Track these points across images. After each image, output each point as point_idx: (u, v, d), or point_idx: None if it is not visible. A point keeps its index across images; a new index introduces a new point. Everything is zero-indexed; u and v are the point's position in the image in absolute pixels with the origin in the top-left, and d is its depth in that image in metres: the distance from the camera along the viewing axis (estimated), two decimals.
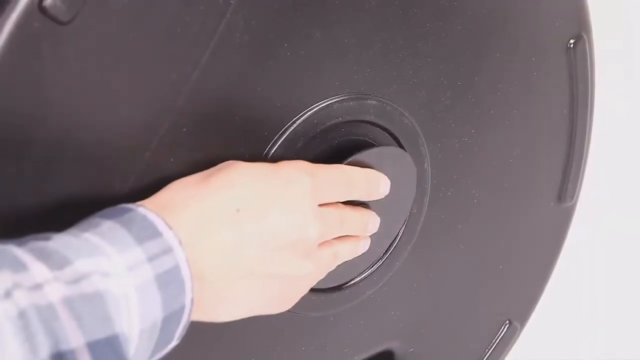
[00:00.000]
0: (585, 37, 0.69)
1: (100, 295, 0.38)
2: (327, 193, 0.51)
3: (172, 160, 0.48)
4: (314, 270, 0.50)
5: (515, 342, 0.79)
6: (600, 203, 0.92)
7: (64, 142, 0.44)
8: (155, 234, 0.41)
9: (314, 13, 0.52)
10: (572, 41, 0.68)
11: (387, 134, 0.60)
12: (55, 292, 0.36)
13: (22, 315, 0.34)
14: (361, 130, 0.58)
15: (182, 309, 0.42)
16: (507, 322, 0.78)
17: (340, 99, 0.55)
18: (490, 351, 0.78)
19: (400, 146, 0.60)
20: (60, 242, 0.39)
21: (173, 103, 0.47)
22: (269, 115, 0.52)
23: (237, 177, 0.47)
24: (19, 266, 0.36)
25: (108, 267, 0.39)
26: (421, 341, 0.72)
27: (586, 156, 0.75)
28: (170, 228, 0.42)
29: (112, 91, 0.45)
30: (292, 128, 0.53)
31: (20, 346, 0.34)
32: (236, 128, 0.50)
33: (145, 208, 0.42)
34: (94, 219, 0.42)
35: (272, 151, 0.53)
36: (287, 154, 0.53)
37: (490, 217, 0.71)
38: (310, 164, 0.52)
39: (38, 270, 0.36)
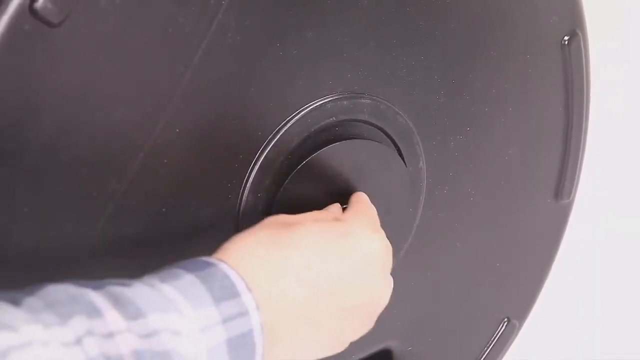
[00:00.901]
0: (579, 34, 0.69)
1: (168, 354, 0.37)
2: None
3: (165, 160, 0.48)
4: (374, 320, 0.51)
5: (514, 340, 0.79)
6: (597, 200, 0.92)
7: (58, 144, 0.44)
8: (233, 294, 0.41)
9: (306, 12, 0.52)
10: (566, 38, 0.68)
11: (381, 133, 0.60)
12: (127, 343, 0.36)
13: None
14: (355, 130, 0.58)
15: None
16: (506, 319, 0.78)
17: (334, 98, 0.55)
18: (489, 349, 0.78)
19: (395, 145, 0.60)
20: (137, 291, 0.39)
21: (166, 104, 0.47)
22: (262, 115, 0.52)
23: (308, 237, 0.46)
24: (94, 312, 0.36)
25: (180, 325, 0.38)
26: (419, 340, 0.72)
27: (583, 153, 0.75)
28: (250, 290, 0.41)
29: (105, 92, 0.45)
30: (286, 128, 0.53)
31: None
32: (229, 128, 0.50)
33: (227, 265, 0.42)
34: (174, 270, 0.41)
35: (266, 151, 0.53)
36: (281, 154, 0.53)
37: (487, 215, 0.71)
38: (369, 215, 0.52)
39: (112, 318, 0.36)
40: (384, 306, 0.51)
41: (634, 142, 0.93)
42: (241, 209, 0.53)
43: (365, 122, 0.58)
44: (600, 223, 0.97)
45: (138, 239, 0.50)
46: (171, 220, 0.50)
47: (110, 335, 0.36)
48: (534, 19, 0.66)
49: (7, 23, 0.40)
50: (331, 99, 0.55)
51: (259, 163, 0.52)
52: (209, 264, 0.42)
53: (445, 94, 0.62)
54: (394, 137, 0.60)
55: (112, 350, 0.35)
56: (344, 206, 0.56)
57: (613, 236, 0.98)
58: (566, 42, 0.68)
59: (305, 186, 0.55)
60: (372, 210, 0.54)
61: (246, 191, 0.53)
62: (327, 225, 0.48)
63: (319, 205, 0.55)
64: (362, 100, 0.57)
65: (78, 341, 0.34)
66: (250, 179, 0.52)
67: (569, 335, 1.02)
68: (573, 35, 0.68)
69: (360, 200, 0.55)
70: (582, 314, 1.02)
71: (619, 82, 0.88)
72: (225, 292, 0.41)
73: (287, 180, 0.53)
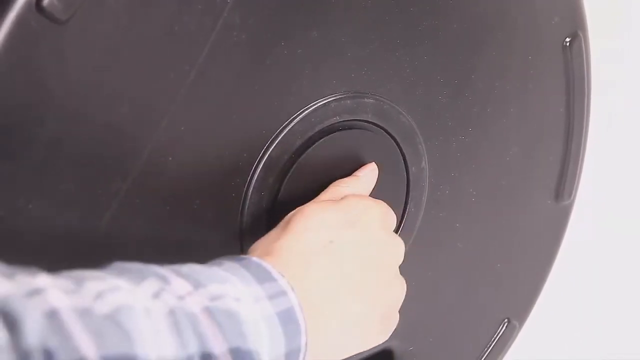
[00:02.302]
0: (581, 35, 0.69)
1: (235, 314, 0.39)
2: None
3: (170, 158, 0.48)
4: (403, 285, 0.53)
5: (514, 340, 0.79)
6: (598, 201, 0.93)
7: (62, 141, 0.44)
8: (270, 278, 0.43)
9: (311, 12, 0.52)
10: (568, 39, 0.69)
11: (384, 132, 0.60)
12: (196, 303, 0.38)
13: (171, 313, 0.37)
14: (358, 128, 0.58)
15: (299, 349, 0.43)
16: (506, 320, 0.78)
17: (338, 97, 0.55)
18: (489, 350, 0.78)
19: (398, 144, 0.61)
20: (192, 269, 0.41)
21: (171, 101, 0.47)
22: (266, 114, 0.52)
23: (316, 217, 0.49)
24: (163, 279, 0.39)
25: (238, 294, 0.40)
26: (420, 340, 0.72)
27: (583, 154, 0.75)
28: (283, 276, 0.43)
29: (110, 90, 0.45)
30: (290, 127, 0.53)
31: (174, 338, 0.36)
32: (233, 127, 0.51)
33: (257, 257, 0.44)
34: (215, 260, 0.44)
35: (270, 150, 0.53)
36: (285, 153, 0.53)
37: (488, 215, 0.71)
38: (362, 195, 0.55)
39: (180, 284, 0.39)
40: (399, 264, 0.52)
41: (634, 142, 0.93)
42: (245, 207, 0.53)
43: (368, 121, 0.58)
44: (601, 224, 0.97)
45: (141, 238, 0.50)
46: (174, 218, 0.50)
47: (180, 297, 0.38)
48: (536, 20, 0.66)
49: (14, 19, 0.40)
50: (335, 98, 0.55)
51: (262, 162, 0.52)
52: (242, 258, 0.44)
53: (448, 94, 0.63)
54: (396, 137, 0.60)
55: (186, 308, 0.37)
56: None
57: (613, 237, 0.98)
58: (567, 44, 0.69)
59: (307, 182, 0.55)
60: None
61: (250, 190, 0.53)
62: (326, 203, 0.50)
63: None
64: (366, 100, 0.57)
65: (156, 295, 0.37)
66: (254, 178, 0.52)
67: (569, 336, 1.02)
68: (574, 36, 0.69)
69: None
70: (583, 315, 1.02)
71: (619, 83, 0.88)
72: (263, 275, 0.43)
73: (287, 177, 0.54)
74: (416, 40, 0.59)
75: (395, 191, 0.62)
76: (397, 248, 0.52)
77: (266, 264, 0.44)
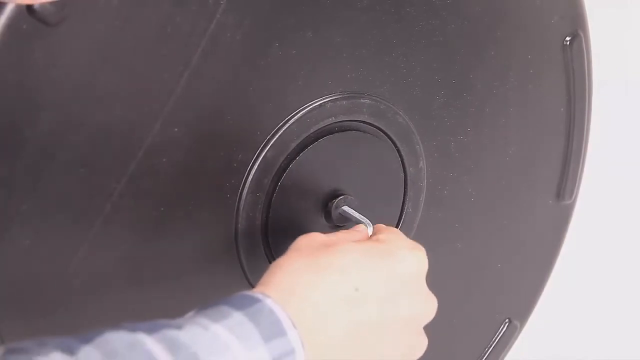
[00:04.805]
0: (581, 34, 0.69)
1: None
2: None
3: (164, 160, 0.48)
4: (425, 343, 0.50)
5: (515, 340, 0.79)
6: (599, 201, 0.92)
7: (56, 143, 0.44)
8: (280, 332, 0.41)
9: (305, 12, 0.52)
10: (568, 38, 0.68)
11: (381, 133, 0.60)
12: None
13: None
14: (354, 129, 0.58)
15: None
16: (507, 320, 0.78)
17: (334, 98, 0.55)
18: (490, 350, 0.77)
19: (395, 145, 0.60)
20: (191, 334, 0.39)
21: (164, 103, 0.47)
22: (261, 115, 0.52)
23: (347, 257, 0.46)
24: None
25: None
26: None
27: (585, 154, 0.75)
28: (295, 327, 0.41)
29: (103, 91, 0.45)
30: (285, 128, 0.53)
31: None
32: (228, 128, 0.51)
33: (272, 300, 0.42)
34: (222, 307, 0.41)
35: (265, 150, 0.53)
36: (281, 153, 0.53)
37: (488, 215, 0.71)
38: (403, 237, 0.51)
39: None
40: (429, 320, 0.50)
41: (635, 142, 0.93)
42: (240, 208, 0.53)
43: (364, 122, 0.58)
44: (602, 224, 0.97)
45: (136, 239, 0.50)
46: (170, 219, 0.50)
47: None
48: (535, 19, 0.66)
49: (6, 22, 0.40)
50: (330, 99, 0.55)
51: (257, 163, 0.52)
52: (255, 300, 0.42)
53: (446, 94, 0.62)
54: (393, 137, 0.60)
55: None
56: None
57: (614, 237, 0.98)
58: (568, 43, 0.68)
59: (303, 183, 0.55)
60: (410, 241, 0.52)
61: (245, 190, 0.53)
62: (366, 245, 0.47)
63: (318, 203, 0.56)
64: (362, 100, 0.57)
65: None
66: (249, 179, 0.52)
67: (570, 337, 1.01)
68: (574, 35, 0.68)
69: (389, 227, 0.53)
70: (583, 315, 1.02)
71: (620, 83, 0.88)
72: (272, 330, 0.41)
73: (283, 178, 0.54)
74: (413, 40, 0.58)
75: (392, 191, 0.61)
76: (430, 305, 0.50)
77: (280, 312, 0.41)
